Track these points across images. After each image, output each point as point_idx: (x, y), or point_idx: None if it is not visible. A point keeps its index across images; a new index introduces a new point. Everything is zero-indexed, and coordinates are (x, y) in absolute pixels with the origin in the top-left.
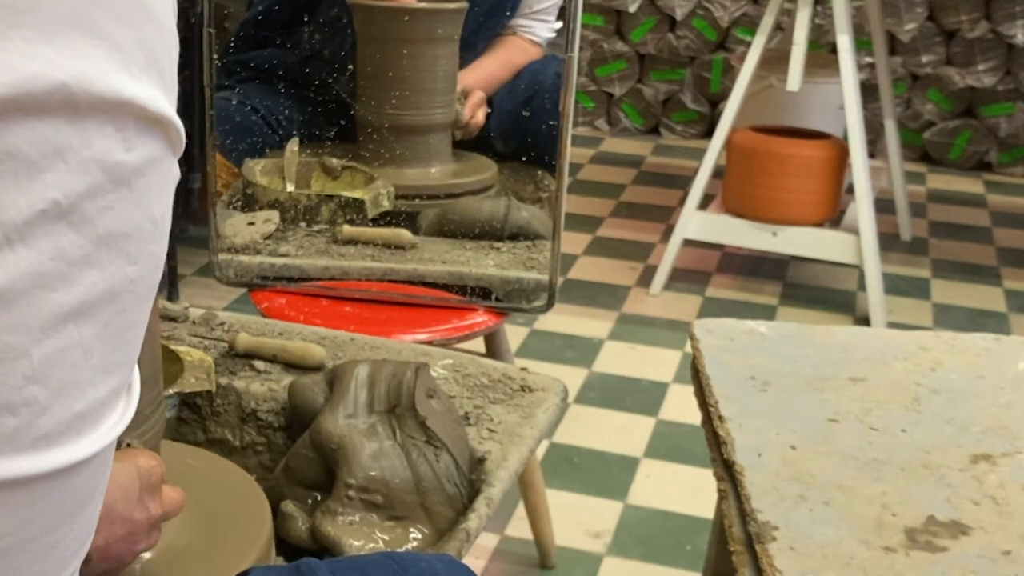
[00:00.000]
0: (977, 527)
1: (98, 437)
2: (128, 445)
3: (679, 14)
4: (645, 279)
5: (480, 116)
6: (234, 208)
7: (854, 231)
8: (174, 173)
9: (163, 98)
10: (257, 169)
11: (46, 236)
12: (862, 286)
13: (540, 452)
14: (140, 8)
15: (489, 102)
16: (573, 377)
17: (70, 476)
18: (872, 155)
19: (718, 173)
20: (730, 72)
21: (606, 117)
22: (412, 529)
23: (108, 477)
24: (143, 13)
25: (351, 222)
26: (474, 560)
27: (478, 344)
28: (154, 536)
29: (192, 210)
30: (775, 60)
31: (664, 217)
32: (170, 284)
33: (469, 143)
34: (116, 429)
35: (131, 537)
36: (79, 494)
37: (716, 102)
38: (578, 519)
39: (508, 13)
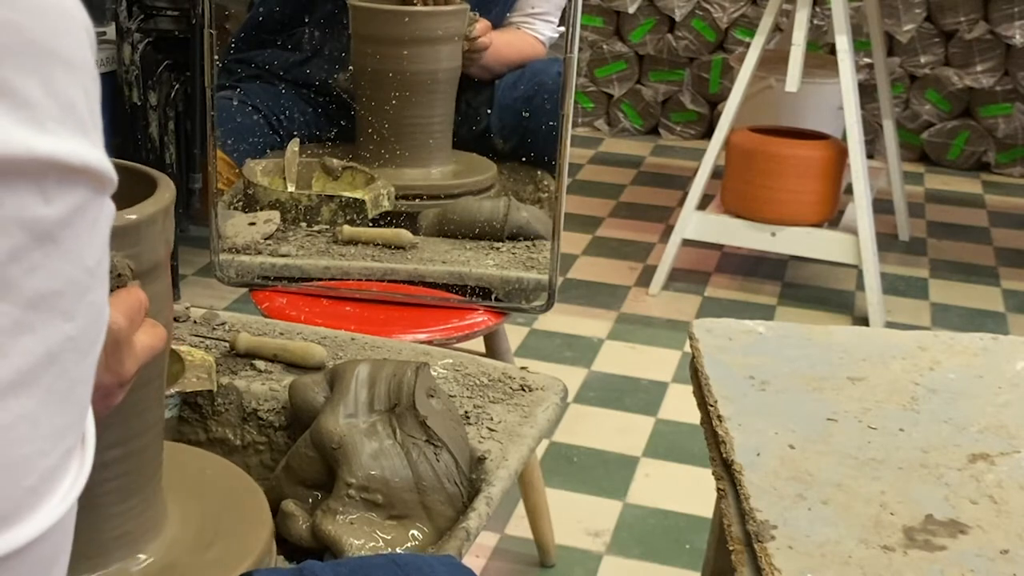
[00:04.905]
0: (975, 526)
1: (55, 506)
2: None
3: (678, 15)
4: (644, 279)
5: (487, 40)
6: (235, 208)
7: (852, 231)
8: (107, 213)
9: (84, 145)
10: (258, 169)
11: None
12: (860, 286)
13: (540, 451)
14: (47, 56)
15: (490, 98)
16: (573, 377)
17: (31, 550)
18: (871, 155)
19: (717, 173)
20: (729, 73)
21: (605, 118)
22: (412, 528)
23: (72, 533)
24: (51, 60)
25: (351, 222)
26: (474, 559)
27: (478, 344)
28: (130, 382)
29: (193, 210)
30: (774, 61)
31: (663, 217)
32: (172, 284)
33: (469, 143)
34: (73, 492)
35: (105, 400)
36: (43, 561)
37: (715, 103)
38: (578, 518)
39: (508, 13)
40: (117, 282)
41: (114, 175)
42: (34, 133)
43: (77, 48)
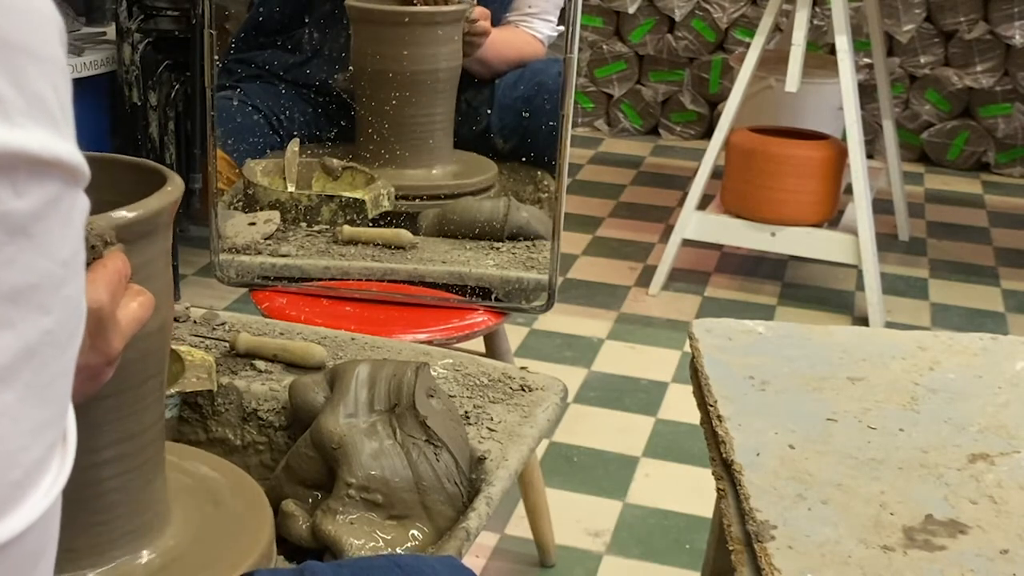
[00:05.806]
0: (975, 526)
1: (38, 500)
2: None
3: (678, 15)
4: (644, 279)
5: (486, 25)
6: (235, 208)
7: (852, 231)
8: (80, 207)
9: (54, 138)
10: (258, 169)
11: None
12: (860, 286)
13: (540, 451)
14: (15, 51)
15: (490, 98)
16: (572, 377)
17: (15, 545)
18: (870, 155)
19: (717, 173)
20: (729, 73)
21: (605, 118)
22: (412, 528)
23: (58, 527)
24: (20, 55)
25: (351, 222)
26: (474, 559)
27: (478, 344)
28: (118, 359)
29: (193, 210)
30: (774, 61)
31: (663, 217)
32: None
33: (469, 143)
34: (56, 487)
35: (93, 379)
36: (29, 556)
37: (715, 103)
38: (577, 518)
39: (506, 13)
40: (92, 254)
41: (86, 168)
42: (3, 127)
43: (46, 43)
